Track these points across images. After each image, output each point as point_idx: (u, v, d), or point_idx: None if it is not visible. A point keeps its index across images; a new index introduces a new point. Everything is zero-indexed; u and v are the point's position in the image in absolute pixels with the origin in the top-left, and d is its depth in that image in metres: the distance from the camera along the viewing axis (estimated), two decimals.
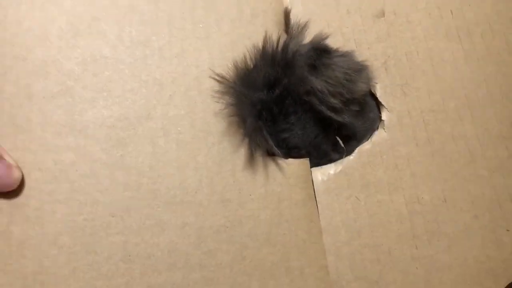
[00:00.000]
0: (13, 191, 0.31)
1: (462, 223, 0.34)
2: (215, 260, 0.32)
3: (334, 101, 0.33)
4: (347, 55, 0.37)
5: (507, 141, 0.36)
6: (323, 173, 0.35)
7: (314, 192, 0.34)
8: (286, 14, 0.39)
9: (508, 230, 0.34)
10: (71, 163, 0.32)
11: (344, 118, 0.34)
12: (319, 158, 0.35)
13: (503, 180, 0.35)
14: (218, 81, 0.35)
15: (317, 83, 0.33)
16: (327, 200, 0.34)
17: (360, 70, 0.35)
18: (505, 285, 0.33)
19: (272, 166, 0.34)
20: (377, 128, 0.37)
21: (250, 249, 0.32)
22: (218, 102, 0.35)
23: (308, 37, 0.36)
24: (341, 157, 0.35)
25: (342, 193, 0.34)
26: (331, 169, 0.35)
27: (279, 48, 0.35)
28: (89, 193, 0.32)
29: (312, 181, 0.35)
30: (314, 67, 0.34)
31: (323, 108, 0.34)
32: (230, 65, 0.36)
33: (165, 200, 0.32)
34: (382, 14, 0.39)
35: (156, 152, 0.33)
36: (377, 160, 0.35)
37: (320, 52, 0.35)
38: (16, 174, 0.30)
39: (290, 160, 0.35)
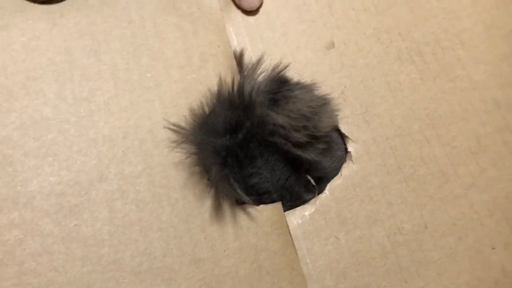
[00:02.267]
0: None
1: (447, 248, 0.33)
2: None
3: (298, 136, 0.32)
4: (308, 88, 0.35)
5: (476, 156, 0.35)
6: (297, 216, 0.33)
7: (291, 237, 0.32)
8: (239, 56, 0.37)
9: (494, 248, 0.33)
10: (17, 242, 0.28)
11: (312, 155, 0.33)
12: (292, 201, 0.33)
13: (480, 196, 0.34)
14: (174, 130, 0.33)
15: (279, 118, 0.31)
16: (306, 244, 0.32)
17: (323, 104, 0.34)
18: None
19: (243, 216, 0.32)
20: (346, 161, 0.35)
21: None
22: (177, 152, 0.32)
23: (264, 73, 0.35)
24: (314, 197, 0.34)
25: (321, 234, 0.32)
26: (305, 210, 0.33)
27: (236, 90, 0.33)
28: (42, 274, 0.28)
29: (288, 226, 0.32)
30: (275, 102, 0.33)
31: (289, 146, 0.32)
32: (185, 113, 0.33)
33: (130, 269, 0.29)
34: (332, 45, 0.38)
35: (114, 217, 0.30)
36: (350, 194, 0.34)
37: (280, 84, 0.34)
38: None
39: (262, 206, 0.32)
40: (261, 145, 0.32)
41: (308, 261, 0.32)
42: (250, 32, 0.39)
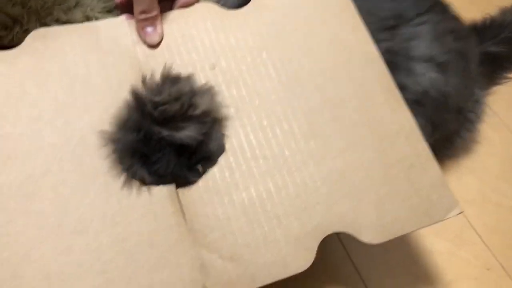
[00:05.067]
0: None
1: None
2: (114, 263, 0.44)
3: (179, 109, 0.46)
4: (189, 79, 0.50)
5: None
6: (186, 190, 0.48)
7: (181, 205, 0.47)
8: (143, 78, 0.52)
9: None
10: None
11: (194, 135, 0.46)
12: (183, 181, 0.48)
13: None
14: (101, 134, 0.48)
15: (160, 98, 0.46)
16: (191, 208, 0.47)
17: (204, 89, 0.49)
18: None
19: (147, 192, 0.47)
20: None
21: (139, 253, 0.45)
22: (103, 150, 0.47)
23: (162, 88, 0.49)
24: (199, 177, 0.49)
25: (202, 201, 0.48)
26: (191, 187, 0.48)
27: (139, 104, 0.48)
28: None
29: (179, 197, 0.48)
30: (159, 92, 0.47)
31: (174, 136, 0.46)
32: (108, 122, 0.48)
33: (71, 230, 0.44)
34: (214, 66, 0.53)
35: (57, 198, 0.45)
36: (223, 175, 0.49)
37: (165, 78, 0.48)
38: None
39: (161, 186, 0.48)
40: (159, 143, 0.47)
41: (192, 220, 0.47)
42: (154, 60, 0.54)
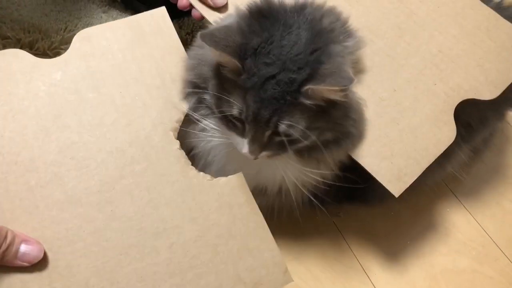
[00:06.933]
0: None
1: None
2: (199, 258, 0.46)
3: None
4: None
5: None
6: None
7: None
8: None
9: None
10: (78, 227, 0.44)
11: None
12: None
13: None
14: None
15: None
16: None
17: None
18: None
19: (217, 185, 0.48)
20: None
21: (222, 245, 0.46)
22: (169, 147, 0.48)
23: None
24: None
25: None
26: None
27: None
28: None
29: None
30: None
31: None
32: (167, 123, 0.49)
33: (151, 232, 0.45)
34: None
35: (135, 202, 0.46)
36: None
37: None
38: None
39: (229, 176, 0.49)
40: None
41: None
42: None
